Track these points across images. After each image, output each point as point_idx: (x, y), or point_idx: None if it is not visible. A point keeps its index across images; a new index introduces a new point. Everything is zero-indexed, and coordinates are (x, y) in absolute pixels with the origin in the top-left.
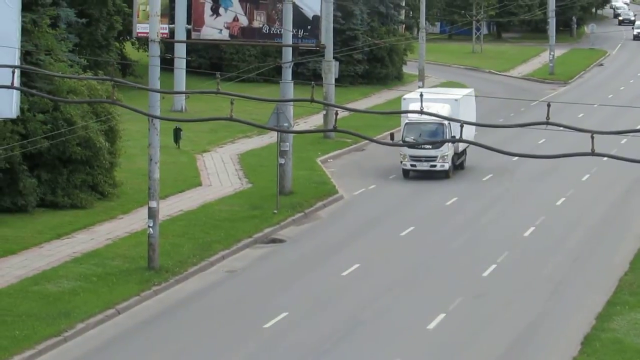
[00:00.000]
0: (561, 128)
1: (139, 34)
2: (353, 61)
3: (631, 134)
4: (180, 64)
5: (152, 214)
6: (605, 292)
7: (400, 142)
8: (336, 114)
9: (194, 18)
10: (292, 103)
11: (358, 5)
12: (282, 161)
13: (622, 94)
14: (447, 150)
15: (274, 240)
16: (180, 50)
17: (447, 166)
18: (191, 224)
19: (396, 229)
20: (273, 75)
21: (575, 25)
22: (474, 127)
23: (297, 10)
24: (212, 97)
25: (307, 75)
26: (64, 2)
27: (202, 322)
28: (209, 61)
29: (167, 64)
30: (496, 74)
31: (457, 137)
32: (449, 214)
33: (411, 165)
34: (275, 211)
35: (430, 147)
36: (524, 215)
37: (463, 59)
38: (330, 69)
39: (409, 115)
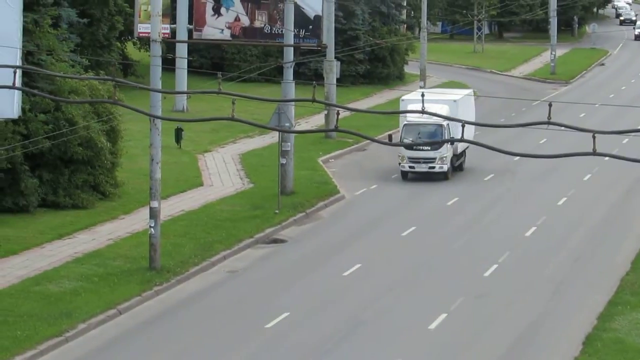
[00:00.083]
0: (562, 128)
1: (141, 34)
2: (354, 61)
3: (632, 133)
4: (182, 64)
5: (153, 214)
6: (607, 292)
7: (403, 142)
8: (337, 113)
9: (196, 18)
10: (293, 103)
11: (359, 5)
12: (283, 161)
13: (623, 94)
14: (446, 151)
15: (276, 241)
16: (182, 50)
17: (445, 168)
18: (192, 224)
19: (397, 229)
20: (274, 75)
21: (577, 25)
22: (473, 127)
23: (298, 10)
24: (213, 97)
25: (309, 75)
26: (65, 2)
27: (204, 322)
28: (210, 61)
29: (169, 64)
30: (497, 73)
31: (458, 137)
32: (450, 214)
33: (409, 166)
34: (277, 211)
35: (429, 148)
36: (526, 215)
37: (464, 59)
38: (332, 68)
39: (408, 116)
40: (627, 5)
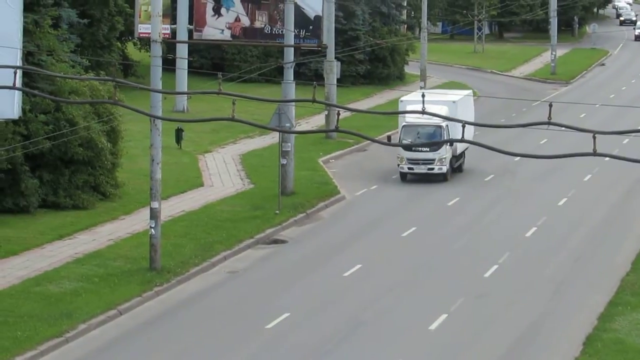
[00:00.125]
0: (563, 128)
1: (141, 35)
2: (355, 61)
3: (633, 134)
4: (182, 64)
5: (153, 214)
6: (607, 292)
7: (403, 143)
8: (338, 114)
9: (196, 18)
10: (293, 103)
11: (360, 5)
12: (284, 161)
13: (623, 94)
14: (445, 152)
15: (276, 241)
16: (182, 51)
17: (444, 169)
18: (193, 224)
19: (398, 229)
20: (275, 76)
21: (577, 25)
22: (472, 128)
23: (298, 10)
24: (213, 98)
25: (309, 75)
26: (65, 2)
27: (204, 323)
28: (210, 61)
29: (169, 65)
30: (498, 73)
31: (457, 138)
32: (450, 215)
33: (408, 168)
34: (277, 212)
35: (428, 149)
36: (526, 215)
37: (465, 59)
38: (332, 69)
39: (406, 117)
40: (628, 6)
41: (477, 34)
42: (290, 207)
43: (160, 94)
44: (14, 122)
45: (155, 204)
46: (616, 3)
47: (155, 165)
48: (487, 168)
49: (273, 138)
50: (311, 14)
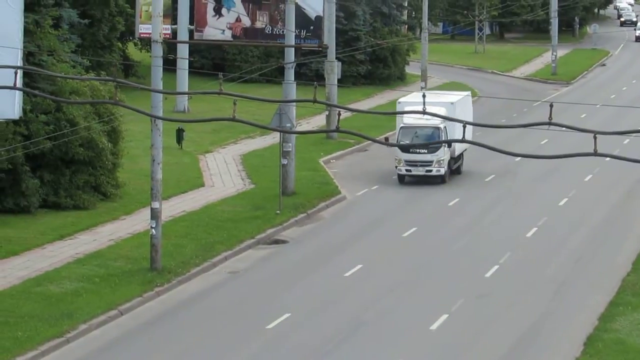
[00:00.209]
0: (564, 128)
1: (142, 35)
2: (355, 62)
3: (634, 134)
4: (183, 64)
5: (154, 214)
6: (608, 292)
7: (405, 143)
8: (339, 114)
9: (197, 19)
10: (294, 103)
11: (360, 5)
12: (284, 162)
13: (624, 95)
14: (443, 154)
15: (277, 241)
16: (183, 51)
17: (443, 171)
18: (194, 224)
19: (399, 229)
20: (275, 76)
21: (578, 26)
22: (471, 129)
23: (299, 10)
24: (214, 98)
25: (310, 75)
26: (66, 2)
27: (205, 323)
28: (211, 62)
29: (170, 65)
30: (499, 74)
31: (456, 140)
32: (451, 215)
33: (406, 170)
34: (278, 212)
35: (426, 151)
36: (527, 215)
37: (465, 60)
38: (333, 69)
39: (404, 118)
40: (629, 6)
41: (478, 34)
42: (291, 207)
43: (161, 94)
44: (15, 122)
45: (156, 204)
46: (618, 4)
47: (156, 166)
48: (487, 168)
49: (274, 138)
50: (312, 15)
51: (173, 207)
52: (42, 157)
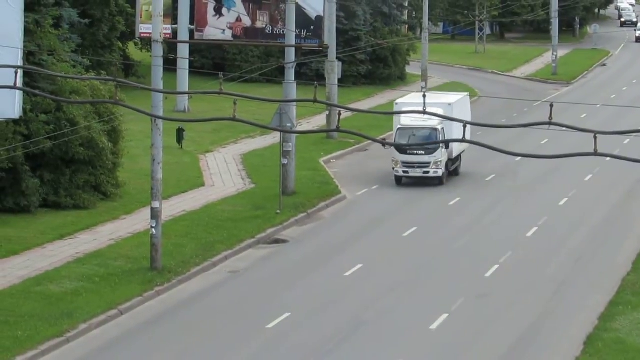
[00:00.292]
0: (564, 128)
1: (142, 35)
2: (356, 61)
3: (634, 134)
4: (183, 64)
5: (154, 214)
6: (608, 292)
7: (403, 144)
8: (339, 114)
9: (197, 18)
10: (295, 103)
11: (361, 5)
12: (285, 161)
13: (624, 95)
14: (441, 156)
15: (277, 241)
16: (183, 51)
17: (440, 172)
18: (194, 224)
19: (399, 229)
20: (276, 76)
21: (578, 26)
22: (470, 130)
23: (300, 10)
24: (215, 98)
25: (310, 75)
26: (66, 2)
27: (205, 323)
28: (211, 61)
29: (170, 65)
30: (499, 74)
31: (459, 138)
32: (451, 214)
33: (403, 171)
34: (278, 211)
35: (423, 153)
36: (527, 215)
37: (466, 60)
38: (333, 69)
39: (401, 119)
40: (630, 7)
41: (479, 34)
42: (291, 207)
43: (162, 94)
44: (15, 121)
45: (156, 204)
46: (619, 4)
47: (157, 165)
48: (488, 168)
49: (274, 138)
50: (312, 14)
51: (173, 207)
52: (43, 156)
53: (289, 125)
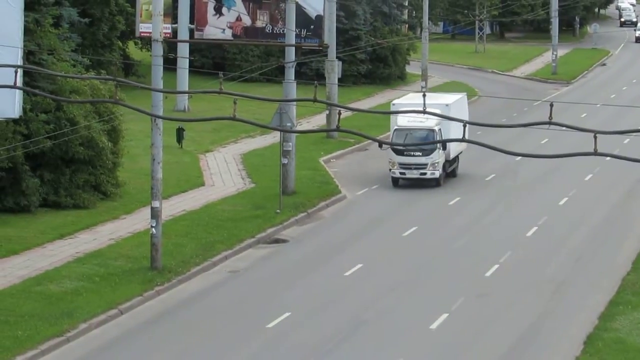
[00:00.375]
0: (564, 128)
1: (142, 34)
2: (356, 61)
3: (634, 133)
4: (183, 63)
5: (154, 214)
6: (608, 291)
7: (406, 144)
8: (339, 113)
9: (197, 18)
10: (295, 103)
11: (361, 5)
12: (285, 161)
13: (624, 94)
14: (438, 157)
15: (277, 240)
16: (183, 50)
17: (437, 174)
18: (194, 224)
19: (399, 229)
20: (276, 75)
21: (578, 25)
22: (468, 131)
23: (300, 10)
24: (215, 97)
25: (310, 75)
26: (66, 1)
27: (205, 322)
28: (211, 61)
29: (170, 64)
30: (499, 73)
31: (459, 138)
32: (451, 214)
33: (400, 173)
34: (278, 211)
35: (420, 154)
36: (527, 215)
37: (466, 59)
38: (333, 68)
39: (398, 120)
40: (631, 7)
41: (479, 33)
42: (291, 207)
43: (162, 94)
44: (15, 121)
45: (156, 204)
46: (619, 4)
47: (156, 165)
48: (488, 168)
49: (274, 137)
50: (312, 14)
51: (173, 207)
52: (42, 156)
53: (289, 124)
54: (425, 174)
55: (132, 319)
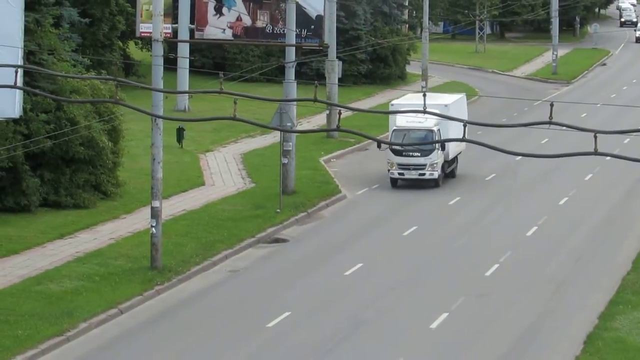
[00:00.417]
0: (564, 128)
1: (142, 34)
2: (356, 61)
3: (634, 133)
4: (184, 63)
5: (155, 213)
6: (608, 291)
7: (403, 144)
8: (339, 113)
9: (197, 18)
10: (295, 103)
11: (361, 5)
12: (285, 161)
13: (624, 94)
14: (437, 158)
15: (277, 240)
16: (184, 50)
17: (436, 174)
18: (194, 223)
19: (399, 228)
20: (276, 75)
21: (579, 25)
22: (467, 131)
23: (300, 10)
24: (215, 97)
25: (310, 75)
26: (66, 1)
27: (205, 322)
28: (212, 61)
29: (171, 64)
30: (499, 73)
31: (459, 138)
32: (451, 214)
33: (399, 173)
34: (278, 211)
35: (419, 154)
36: (527, 214)
37: (466, 59)
38: (334, 68)
39: (397, 120)
40: (631, 7)
41: (479, 33)
42: (291, 206)
43: (162, 93)
44: (15, 121)
45: (156, 203)
46: (620, 4)
47: (157, 165)
48: (488, 167)
49: (274, 137)
50: (313, 14)
51: (173, 206)
52: (43, 156)
53: (289, 124)
54: (424, 174)
55: (132, 318)
